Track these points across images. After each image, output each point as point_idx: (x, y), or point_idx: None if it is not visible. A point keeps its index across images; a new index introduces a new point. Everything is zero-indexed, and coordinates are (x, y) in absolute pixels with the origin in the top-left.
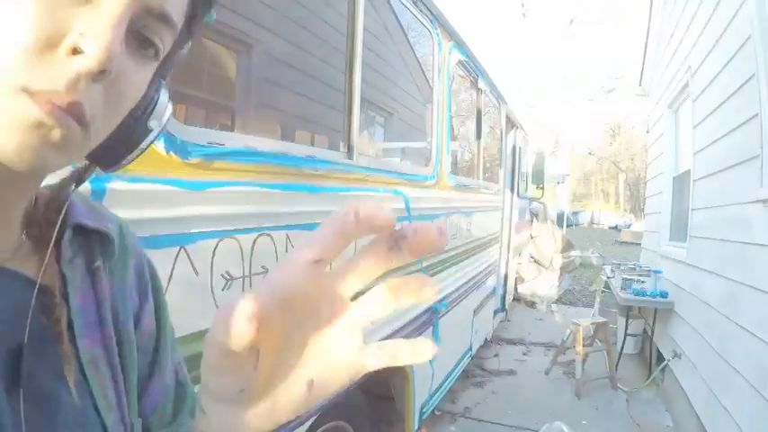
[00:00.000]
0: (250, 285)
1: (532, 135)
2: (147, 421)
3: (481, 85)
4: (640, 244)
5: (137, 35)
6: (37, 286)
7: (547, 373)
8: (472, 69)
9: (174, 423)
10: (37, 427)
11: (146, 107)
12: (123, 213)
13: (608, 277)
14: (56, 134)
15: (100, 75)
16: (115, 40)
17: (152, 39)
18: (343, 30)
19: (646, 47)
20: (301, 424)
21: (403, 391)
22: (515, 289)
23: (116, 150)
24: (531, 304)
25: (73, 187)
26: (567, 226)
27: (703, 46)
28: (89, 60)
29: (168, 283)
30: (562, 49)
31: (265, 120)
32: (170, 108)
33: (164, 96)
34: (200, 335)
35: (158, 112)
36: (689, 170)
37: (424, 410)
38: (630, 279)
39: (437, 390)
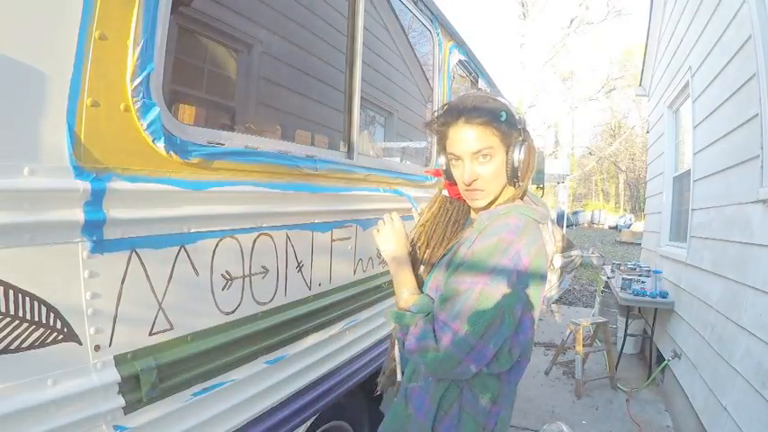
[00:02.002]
0: (250, 285)
1: (532, 135)
2: None
3: (481, 84)
4: (640, 244)
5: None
6: None
7: (547, 373)
8: (472, 69)
9: None
10: None
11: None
12: (123, 213)
13: (608, 277)
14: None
15: (473, 183)
16: (470, 175)
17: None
18: (344, 29)
19: (646, 47)
20: (301, 424)
21: None
22: None
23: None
24: None
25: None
26: (567, 226)
27: (703, 46)
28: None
29: (168, 284)
30: (562, 49)
31: (265, 120)
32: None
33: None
34: (200, 335)
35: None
36: (689, 170)
37: None
38: (630, 279)
39: None
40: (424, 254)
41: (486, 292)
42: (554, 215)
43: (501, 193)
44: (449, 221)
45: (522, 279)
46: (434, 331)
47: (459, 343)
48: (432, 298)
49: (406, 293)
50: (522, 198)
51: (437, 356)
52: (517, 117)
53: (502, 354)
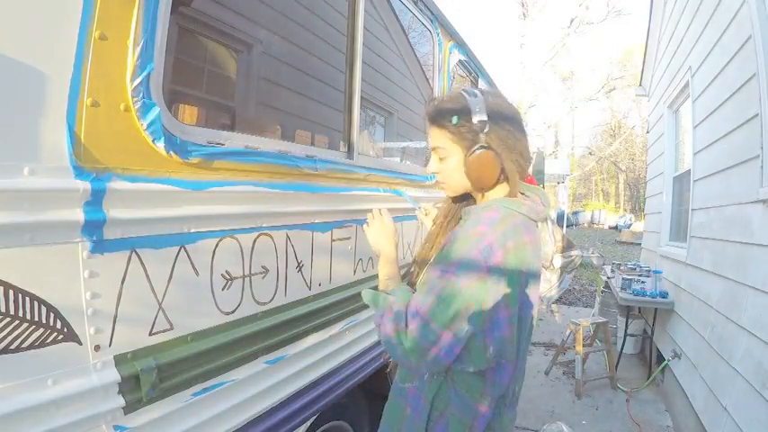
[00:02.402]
0: (250, 285)
1: (532, 135)
2: None
3: (481, 84)
4: (640, 244)
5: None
6: None
7: (547, 373)
8: (472, 69)
9: None
10: None
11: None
12: (123, 213)
13: (608, 277)
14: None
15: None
16: (430, 168)
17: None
18: (344, 29)
19: (646, 47)
20: (301, 424)
21: None
22: None
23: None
24: None
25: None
26: (567, 226)
27: (703, 46)
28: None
29: (168, 284)
30: (562, 49)
31: (265, 120)
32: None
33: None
34: (200, 335)
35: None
36: (689, 170)
37: None
38: (630, 279)
39: None
40: (430, 252)
41: (454, 283)
42: (554, 215)
43: (493, 188)
44: (450, 219)
45: (494, 272)
46: (407, 318)
47: (425, 331)
48: (413, 290)
49: (382, 274)
50: (515, 194)
51: (406, 343)
52: (478, 122)
53: (474, 348)
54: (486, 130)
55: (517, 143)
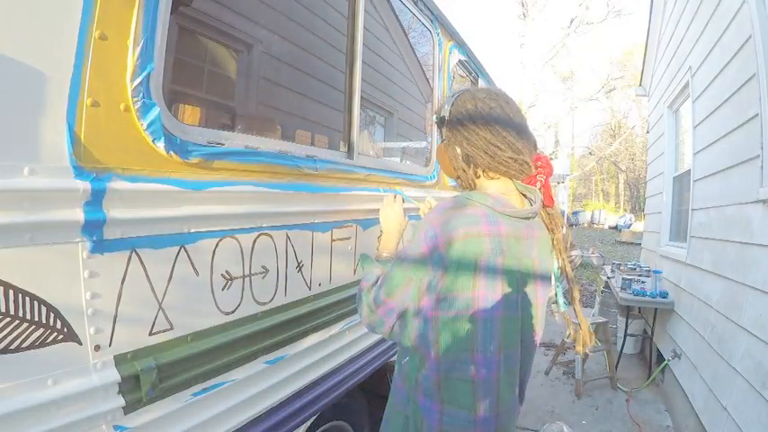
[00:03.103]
0: (250, 285)
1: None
2: None
3: (481, 84)
4: (640, 244)
5: None
6: None
7: (547, 373)
8: (472, 69)
9: None
10: None
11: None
12: (124, 213)
13: (608, 277)
14: None
15: None
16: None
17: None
18: (344, 29)
19: (646, 47)
20: (302, 424)
21: None
22: None
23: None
24: None
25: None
26: (568, 226)
27: (703, 46)
28: None
29: (168, 283)
30: (562, 50)
31: (265, 120)
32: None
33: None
34: (200, 335)
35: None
36: (689, 170)
37: None
38: (630, 279)
39: None
40: None
41: (399, 261)
42: None
43: (478, 186)
44: None
45: (434, 257)
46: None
47: (376, 296)
48: None
49: (381, 246)
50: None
51: (364, 296)
52: (440, 118)
53: (408, 321)
54: (445, 126)
55: (476, 138)
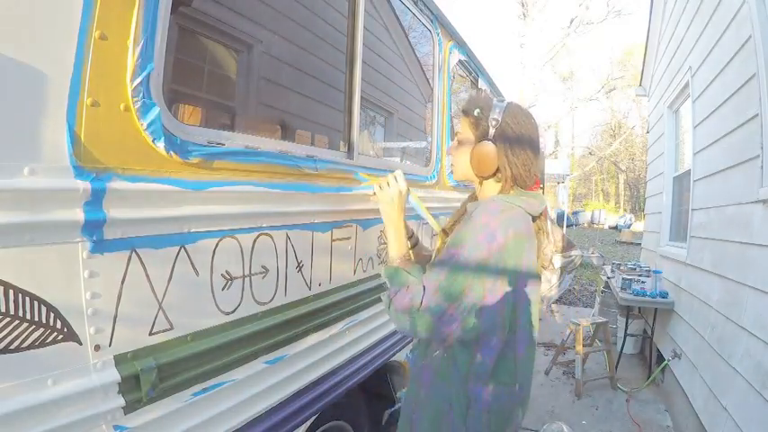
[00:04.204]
0: (250, 285)
1: None
2: None
3: (481, 84)
4: (640, 244)
5: None
6: None
7: (547, 373)
8: (472, 69)
9: None
10: None
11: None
12: (124, 213)
13: (608, 277)
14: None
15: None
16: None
17: (459, 138)
18: (344, 29)
19: (646, 47)
20: (301, 424)
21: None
22: None
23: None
24: None
25: None
26: (567, 226)
27: (703, 46)
28: None
29: (168, 283)
30: (562, 50)
31: (265, 120)
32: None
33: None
34: (200, 335)
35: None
36: (689, 170)
37: None
38: (630, 279)
39: None
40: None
41: (460, 264)
42: (554, 215)
43: (488, 180)
44: (461, 215)
45: (495, 254)
46: (423, 295)
47: (434, 305)
48: (424, 269)
49: (394, 254)
50: (507, 191)
51: (417, 318)
52: (494, 120)
53: (471, 320)
54: (495, 127)
55: (521, 152)
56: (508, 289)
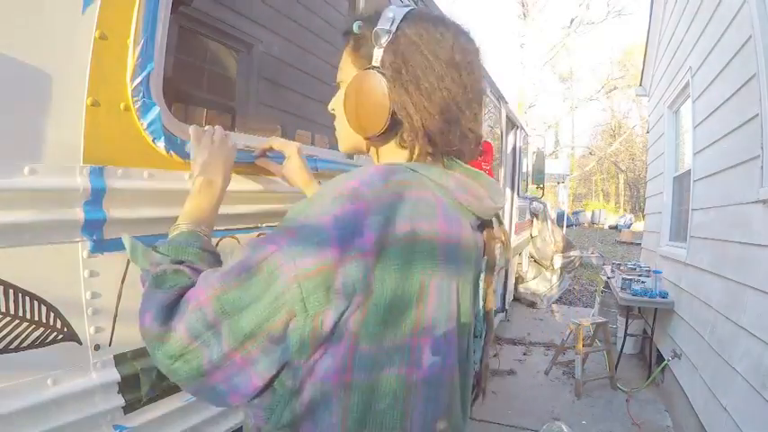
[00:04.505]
0: None
1: (532, 135)
2: None
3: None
4: (640, 244)
5: None
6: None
7: (547, 373)
8: None
9: None
10: None
11: None
12: (123, 213)
13: (608, 277)
14: None
15: None
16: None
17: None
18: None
19: (646, 47)
20: None
21: None
22: (515, 289)
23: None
24: (531, 304)
25: None
26: (567, 226)
27: (703, 46)
28: None
29: None
30: (562, 50)
31: (265, 120)
32: None
33: None
34: None
35: None
36: (689, 170)
37: None
38: (630, 279)
39: None
40: None
41: (274, 265)
42: (554, 215)
43: (382, 154)
44: None
45: (350, 265)
46: (179, 303)
47: (200, 338)
48: (214, 253)
49: (191, 210)
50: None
51: (159, 348)
52: (382, 32)
53: (284, 382)
54: (386, 44)
55: (438, 89)
56: (374, 347)
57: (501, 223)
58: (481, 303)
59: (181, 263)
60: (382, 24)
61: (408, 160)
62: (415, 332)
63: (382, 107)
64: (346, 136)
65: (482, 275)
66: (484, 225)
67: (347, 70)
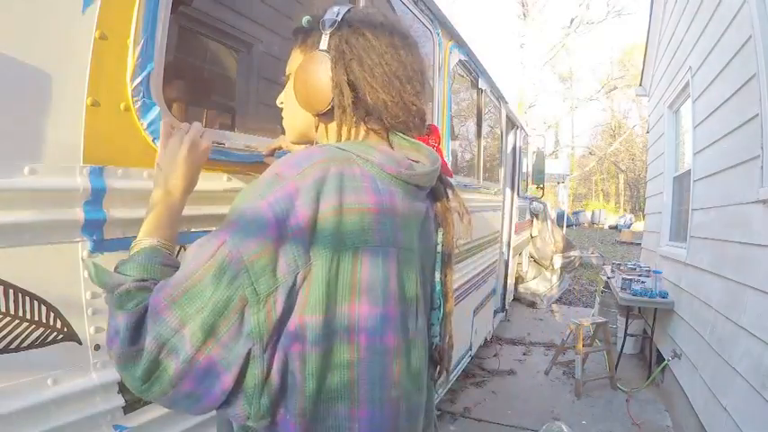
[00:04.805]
0: None
1: (532, 135)
2: None
3: (482, 84)
4: (640, 244)
5: None
6: None
7: (547, 373)
8: (473, 69)
9: None
10: None
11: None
12: (124, 212)
13: (608, 277)
14: None
15: None
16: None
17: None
18: None
19: (646, 47)
20: None
21: None
22: (515, 289)
23: None
24: (531, 304)
25: None
26: (567, 226)
27: (703, 46)
28: None
29: None
30: (562, 49)
31: (265, 120)
32: None
33: None
34: None
35: None
36: (689, 170)
37: None
38: (630, 279)
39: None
40: None
41: (219, 261)
42: (554, 215)
43: (329, 132)
44: None
45: (290, 243)
46: (144, 312)
47: (162, 344)
48: (173, 264)
49: (151, 228)
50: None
51: (132, 370)
52: (328, 21)
53: (251, 378)
54: (328, 31)
55: (380, 63)
56: (319, 318)
57: (455, 194)
58: (437, 275)
59: (144, 280)
60: (329, 15)
61: (347, 139)
62: (353, 301)
63: (327, 83)
64: (293, 124)
65: (438, 247)
66: (436, 196)
67: (296, 61)
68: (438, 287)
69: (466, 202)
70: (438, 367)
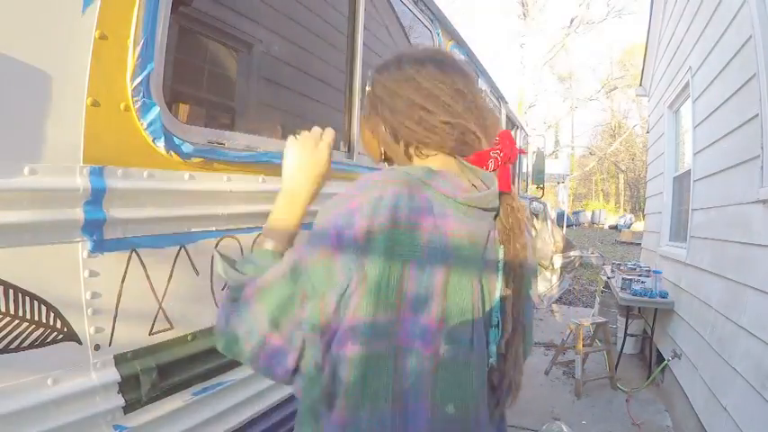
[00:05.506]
0: None
1: (532, 135)
2: None
3: (481, 84)
4: (640, 244)
5: None
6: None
7: (547, 372)
8: (472, 69)
9: None
10: None
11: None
12: (123, 213)
13: (608, 277)
14: None
15: None
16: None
17: None
18: (344, 29)
19: (646, 47)
20: None
21: None
22: None
23: None
24: None
25: None
26: (568, 226)
27: (703, 46)
28: None
29: (168, 283)
30: (562, 49)
31: (265, 120)
32: None
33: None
34: (200, 334)
35: None
36: (689, 170)
37: None
38: (630, 279)
39: None
40: None
41: (292, 264)
42: (554, 215)
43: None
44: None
45: (348, 251)
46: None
47: (245, 322)
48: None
49: (275, 225)
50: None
51: (226, 339)
52: (368, 84)
53: (308, 362)
54: (367, 92)
55: (400, 103)
56: (367, 321)
57: (512, 211)
58: (497, 294)
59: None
60: (368, 82)
61: (413, 164)
62: (398, 309)
63: (372, 142)
64: (374, 157)
65: (499, 264)
66: (497, 214)
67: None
68: (497, 305)
69: (525, 222)
70: (496, 391)
